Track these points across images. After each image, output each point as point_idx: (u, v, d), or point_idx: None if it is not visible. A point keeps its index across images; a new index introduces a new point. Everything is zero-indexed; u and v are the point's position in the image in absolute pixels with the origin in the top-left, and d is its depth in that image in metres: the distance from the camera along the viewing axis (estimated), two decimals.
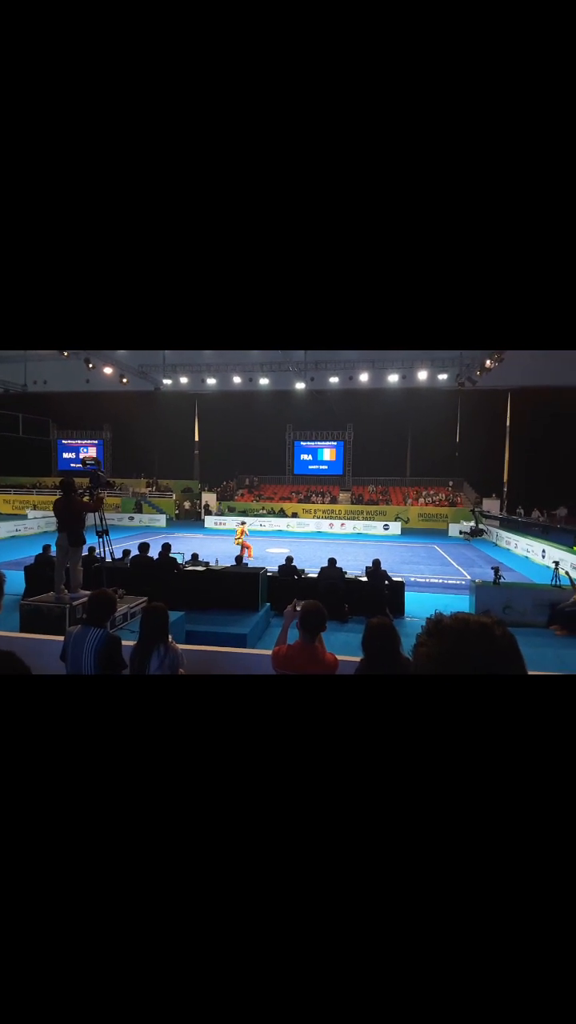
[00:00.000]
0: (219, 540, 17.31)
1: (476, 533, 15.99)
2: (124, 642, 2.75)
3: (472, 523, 16.94)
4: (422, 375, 20.06)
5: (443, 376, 19.99)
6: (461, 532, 17.88)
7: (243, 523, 14.55)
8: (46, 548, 7.93)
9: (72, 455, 28.35)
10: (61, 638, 3.16)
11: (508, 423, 24.26)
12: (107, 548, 6.10)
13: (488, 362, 16.79)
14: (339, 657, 2.62)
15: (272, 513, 23.70)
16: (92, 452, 27.66)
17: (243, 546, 12.37)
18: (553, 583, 8.33)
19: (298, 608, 2.50)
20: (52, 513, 5.44)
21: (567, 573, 8.48)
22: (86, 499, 5.40)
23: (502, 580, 8.15)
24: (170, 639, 2.71)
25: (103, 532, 5.87)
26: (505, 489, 23.85)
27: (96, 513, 5.53)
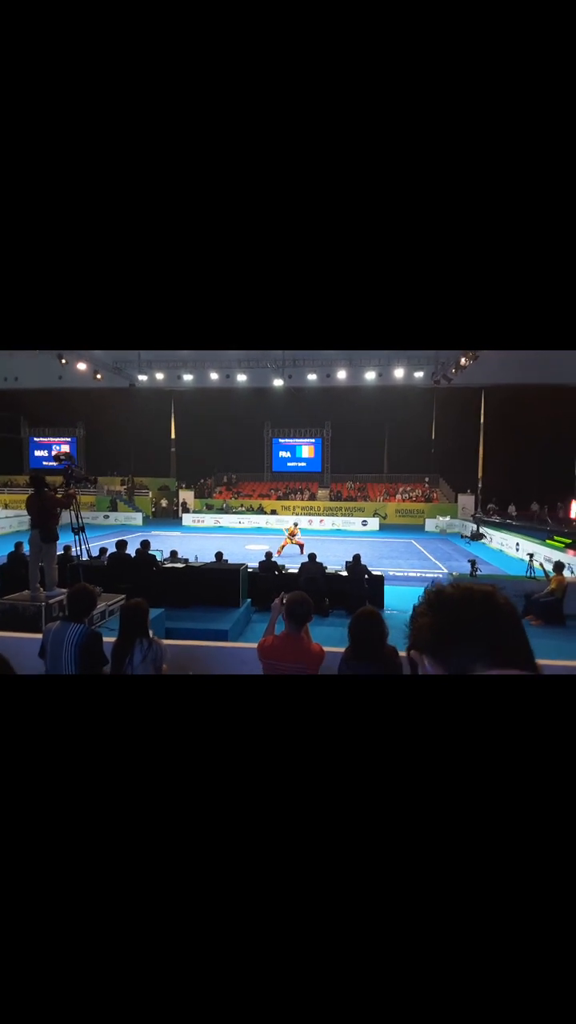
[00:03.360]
0: (198, 537, 17.15)
1: (476, 537, 16.51)
2: (105, 639, 2.68)
3: (474, 527, 17.52)
4: (398, 373, 20.27)
5: (419, 374, 20.26)
6: (463, 536, 18.33)
7: (295, 524, 15.11)
8: (18, 546, 7.70)
9: (44, 453, 27.64)
10: (38, 636, 3.06)
11: (482, 420, 24.75)
12: (84, 546, 5.96)
13: (463, 360, 17.08)
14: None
15: (251, 510, 23.62)
16: (66, 448, 27.03)
17: (295, 543, 12.73)
18: (528, 575, 8.54)
19: (284, 601, 2.48)
20: (24, 512, 5.29)
21: (541, 565, 8.71)
22: (59, 495, 5.26)
23: (479, 573, 8.32)
24: (152, 634, 2.66)
25: (79, 529, 5.72)
26: (480, 485, 24.33)
27: (72, 509, 5.40)
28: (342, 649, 2.66)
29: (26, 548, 6.01)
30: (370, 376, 20.71)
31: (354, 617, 2.38)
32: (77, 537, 5.82)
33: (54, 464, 5.80)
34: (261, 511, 23.54)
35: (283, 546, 12.87)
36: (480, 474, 24.88)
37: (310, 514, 23.07)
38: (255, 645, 3.45)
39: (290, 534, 13.42)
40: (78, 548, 6.01)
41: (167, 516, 24.31)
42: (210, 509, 23.93)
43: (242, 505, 24.31)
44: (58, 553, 5.50)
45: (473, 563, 8.57)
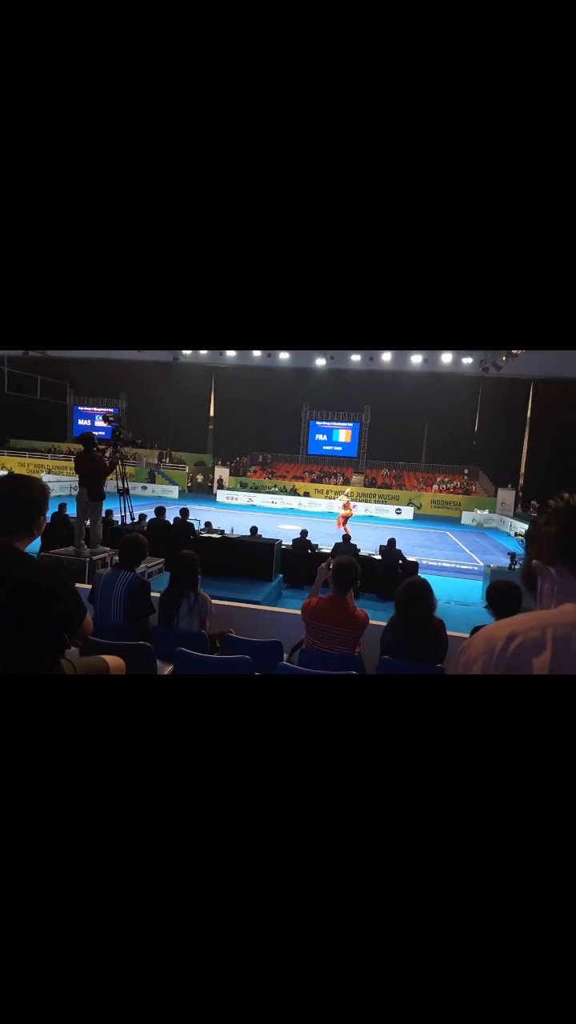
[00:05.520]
0: (232, 513, 17.34)
1: None
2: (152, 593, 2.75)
3: (527, 526, 16.99)
4: (446, 358, 19.67)
5: (467, 360, 19.59)
6: (517, 534, 17.85)
7: (347, 494, 16.11)
8: (61, 507, 7.97)
9: (87, 422, 28.34)
10: (83, 586, 3.17)
11: (529, 414, 23.79)
12: (128, 509, 6.10)
13: (515, 349, 16.39)
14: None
15: (284, 491, 23.66)
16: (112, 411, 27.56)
17: (344, 516, 13.54)
18: None
19: (331, 566, 2.47)
20: (66, 478, 5.47)
21: None
22: (106, 455, 5.39)
23: (518, 567, 8.09)
24: (199, 589, 2.70)
25: (124, 491, 5.87)
26: (521, 481, 23.52)
27: (118, 471, 5.52)
28: (383, 623, 2.64)
29: (69, 509, 6.21)
30: (416, 359, 20.18)
31: (403, 585, 2.34)
32: (121, 500, 5.97)
33: (104, 426, 5.93)
34: (294, 492, 23.54)
35: (344, 519, 13.35)
36: (522, 470, 24.03)
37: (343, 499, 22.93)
38: (291, 611, 3.46)
39: (344, 507, 13.92)
40: (122, 511, 6.16)
41: (202, 491, 24.64)
42: (244, 487, 24.09)
43: (275, 485, 24.37)
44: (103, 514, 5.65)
45: (513, 556, 8.34)
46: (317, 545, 8.63)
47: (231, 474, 25.15)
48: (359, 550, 8.20)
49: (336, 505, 16.32)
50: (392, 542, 8.09)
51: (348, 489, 16.07)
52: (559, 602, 0.59)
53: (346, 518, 13.52)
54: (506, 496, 21.50)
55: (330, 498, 22.77)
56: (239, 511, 19.18)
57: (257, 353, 22.18)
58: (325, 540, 9.74)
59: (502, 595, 2.13)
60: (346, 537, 8.22)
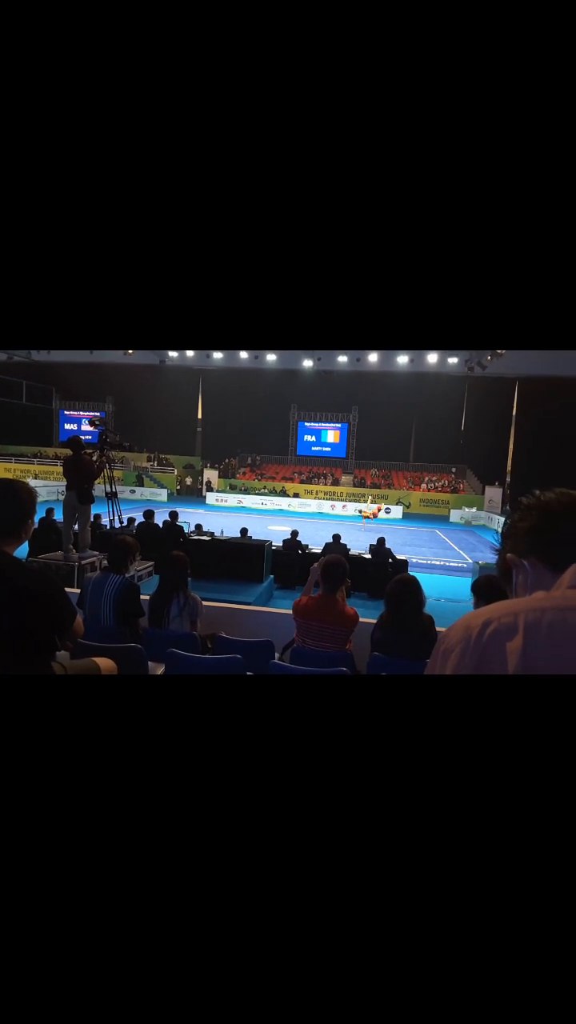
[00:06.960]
0: (222, 516, 17.29)
1: None
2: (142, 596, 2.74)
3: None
4: (432, 358, 19.85)
5: (453, 360, 19.79)
6: None
7: (375, 500, 18.69)
8: (49, 512, 7.90)
9: (74, 427, 28.08)
10: (72, 590, 3.15)
11: (514, 412, 24.09)
12: (116, 513, 6.06)
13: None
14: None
15: (273, 492, 23.67)
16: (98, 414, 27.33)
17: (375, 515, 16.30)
18: None
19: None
20: (53, 483, 5.43)
21: None
22: (95, 459, 5.35)
23: None
24: (189, 590, 2.70)
25: (112, 495, 5.83)
26: (508, 479, 23.78)
27: (106, 475, 5.49)
28: (373, 621, 2.66)
29: (56, 514, 6.16)
30: (402, 360, 20.35)
31: (392, 583, 2.37)
32: (109, 504, 5.93)
33: (88, 433, 5.89)
34: (284, 494, 23.56)
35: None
36: (509, 467, 24.31)
37: (332, 499, 22.99)
38: (281, 610, 3.48)
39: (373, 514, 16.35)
40: (110, 514, 6.12)
41: (191, 494, 24.57)
42: (234, 489, 24.07)
43: (265, 487, 24.37)
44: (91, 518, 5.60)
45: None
46: (308, 546, 8.65)
47: (220, 476, 25.09)
48: (349, 550, 8.24)
49: (363, 508, 19.15)
50: (382, 541, 8.14)
51: (371, 498, 18.23)
52: (532, 593, 0.61)
53: (373, 515, 16.11)
54: (493, 494, 21.74)
55: (320, 498, 22.82)
56: (229, 513, 19.15)
57: (244, 355, 22.16)
58: (315, 541, 9.77)
59: (491, 588, 2.16)
60: (336, 537, 8.25)
